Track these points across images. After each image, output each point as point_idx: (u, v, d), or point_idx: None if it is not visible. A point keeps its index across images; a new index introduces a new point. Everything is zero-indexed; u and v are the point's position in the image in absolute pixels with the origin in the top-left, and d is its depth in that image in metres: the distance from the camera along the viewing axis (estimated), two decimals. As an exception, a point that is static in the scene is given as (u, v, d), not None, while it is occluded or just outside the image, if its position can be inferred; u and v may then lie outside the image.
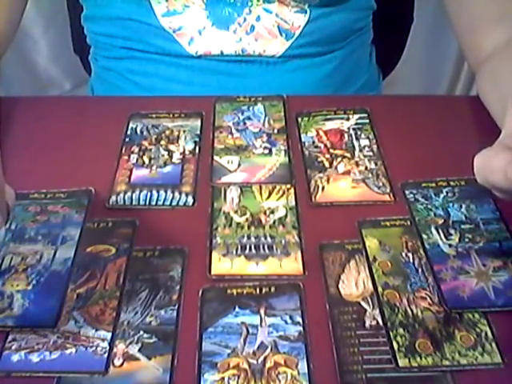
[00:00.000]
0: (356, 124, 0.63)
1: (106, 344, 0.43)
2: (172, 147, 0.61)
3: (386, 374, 0.42)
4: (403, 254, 0.49)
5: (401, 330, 0.44)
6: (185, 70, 0.73)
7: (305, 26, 0.70)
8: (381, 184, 0.56)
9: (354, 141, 0.61)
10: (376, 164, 0.58)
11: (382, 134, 0.62)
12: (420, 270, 0.48)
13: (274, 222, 0.53)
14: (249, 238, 0.51)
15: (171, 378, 0.42)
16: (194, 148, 0.61)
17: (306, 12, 0.69)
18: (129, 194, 0.56)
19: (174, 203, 0.55)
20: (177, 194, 0.56)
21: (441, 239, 0.50)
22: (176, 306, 0.46)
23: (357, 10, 0.74)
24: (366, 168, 0.58)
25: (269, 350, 0.43)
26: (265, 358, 0.42)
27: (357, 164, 0.58)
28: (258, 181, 0.57)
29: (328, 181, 0.57)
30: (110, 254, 0.50)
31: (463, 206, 0.53)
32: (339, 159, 0.59)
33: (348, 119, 0.64)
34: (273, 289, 0.47)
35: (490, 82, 0.62)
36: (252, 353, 0.43)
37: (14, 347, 0.43)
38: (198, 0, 0.68)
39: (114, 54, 0.76)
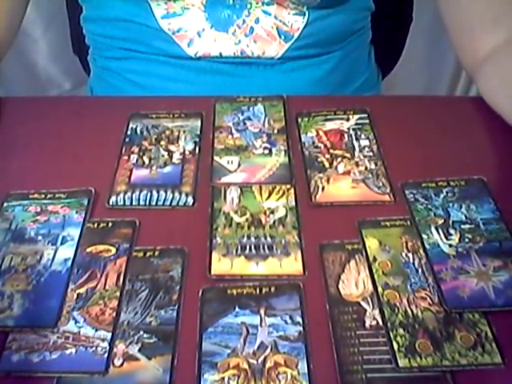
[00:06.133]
0: (356, 124, 0.63)
1: (106, 344, 0.43)
2: (172, 147, 0.61)
3: (386, 374, 0.42)
4: (403, 254, 0.49)
5: (401, 331, 0.44)
6: (184, 70, 0.73)
7: (303, 28, 0.70)
8: (381, 184, 0.56)
9: (354, 141, 0.61)
10: (376, 164, 0.58)
11: (382, 134, 0.61)
12: (420, 270, 0.48)
13: (274, 222, 0.53)
14: (249, 238, 0.51)
15: (171, 378, 0.42)
16: (194, 148, 0.61)
17: (304, 14, 0.69)
18: (129, 194, 0.56)
19: (174, 203, 0.55)
20: (177, 194, 0.56)
21: (441, 239, 0.50)
22: (176, 306, 0.46)
23: (355, 11, 0.74)
24: (366, 168, 0.58)
25: (269, 350, 0.43)
26: (265, 358, 0.42)
27: (357, 164, 0.58)
28: (258, 181, 0.57)
29: (328, 181, 0.56)
30: (110, 254, 0.50)
31: (463, 205, 0.53)
32: (339, 159, 0.59)
33: (348, 119, 0.64)
34: (273, 289, 0.47)
35: (497, 80, 0.62)
36: (252, 353, 0.43)
37: (14, 347, 0.43)
38: (197, 2, 0.68)
39: (113, 54, 0.76)
